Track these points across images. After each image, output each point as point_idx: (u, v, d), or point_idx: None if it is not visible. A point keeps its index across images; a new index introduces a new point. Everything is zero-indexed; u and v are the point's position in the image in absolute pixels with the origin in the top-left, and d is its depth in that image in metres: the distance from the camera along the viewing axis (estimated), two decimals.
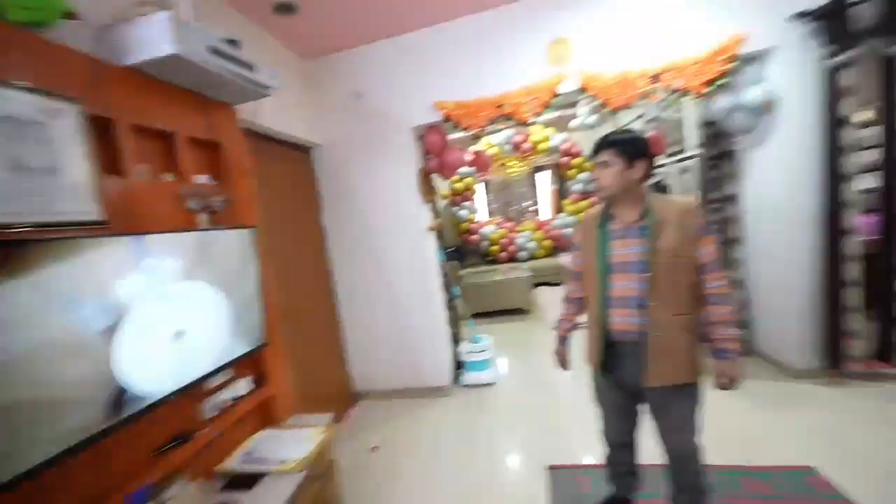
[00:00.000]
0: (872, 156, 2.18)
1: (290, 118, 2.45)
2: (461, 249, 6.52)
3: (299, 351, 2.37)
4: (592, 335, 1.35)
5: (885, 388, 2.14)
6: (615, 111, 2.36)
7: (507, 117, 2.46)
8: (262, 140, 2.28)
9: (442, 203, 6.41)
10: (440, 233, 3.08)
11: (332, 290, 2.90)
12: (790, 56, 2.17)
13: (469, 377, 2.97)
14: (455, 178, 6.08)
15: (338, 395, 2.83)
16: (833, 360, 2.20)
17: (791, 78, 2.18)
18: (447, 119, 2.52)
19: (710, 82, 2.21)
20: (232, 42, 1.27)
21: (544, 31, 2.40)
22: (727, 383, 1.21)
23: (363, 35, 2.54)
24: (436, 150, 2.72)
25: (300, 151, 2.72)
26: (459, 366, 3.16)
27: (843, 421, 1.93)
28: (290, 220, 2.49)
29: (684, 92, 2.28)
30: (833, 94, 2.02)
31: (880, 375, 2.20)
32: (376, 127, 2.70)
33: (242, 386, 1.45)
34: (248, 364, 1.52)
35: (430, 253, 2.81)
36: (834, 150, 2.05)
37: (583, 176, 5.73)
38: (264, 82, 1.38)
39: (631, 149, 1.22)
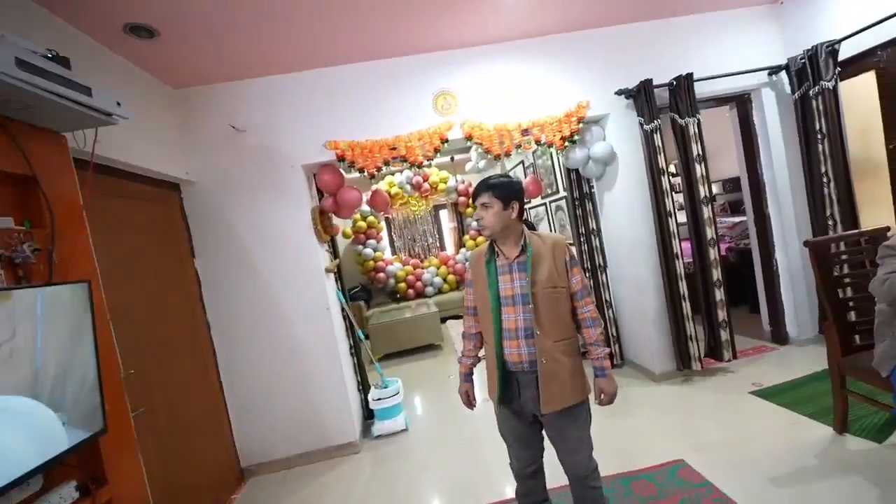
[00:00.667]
0: (681, 197, 2.84)
1: (154, 151, 2.14)
2: (367, 288, 6.33)
3: (165, 430, 1.94)
4: (490, 368, 1.41)
5: (717, 380, 2.68)
6: (497, 158, 2.65)
7: (402, 159, 2.56)
8: (116, 175, 1.93)
9: (345, 241, 6.22)
10: (340, 273, 2.95)
11: (208, 348, 2.48)
12: (620, 121, 2.76)
13: (380, 427, 2.79)
14: (357, 216, 5.99)
15: (219, 477, 2.35)
16: (682, 362, 2.68)
17: (623, 137, 2.76)
18: (341, 158, 2.51)
19: (566, 138, 2.67)
20: (57, 58, 1.06)
21: (432, 84, 2.63)
22: (605, 399, 1.37)
23: (244, 69, 2.43)
24: (330, 189, 2.65)
25: (167, 189, 2.38)
26: (369, 416, 2.95)
27: (695, 414, 2.34)
28: (152, 269, 2.11)
29: (549, 145, 2.69)
30: (652, 151, 2.61)
31: (713, 370, 2.75)
32: (261, 164, 2.53)
33: (61, 497, 1.09)
34: (75, 462, 1.16)
35: (329, 295, 2.65)
36: (659, 193, 2.62)
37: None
38: (105, 108, 1.17)
39: (506, 192, 1.36)
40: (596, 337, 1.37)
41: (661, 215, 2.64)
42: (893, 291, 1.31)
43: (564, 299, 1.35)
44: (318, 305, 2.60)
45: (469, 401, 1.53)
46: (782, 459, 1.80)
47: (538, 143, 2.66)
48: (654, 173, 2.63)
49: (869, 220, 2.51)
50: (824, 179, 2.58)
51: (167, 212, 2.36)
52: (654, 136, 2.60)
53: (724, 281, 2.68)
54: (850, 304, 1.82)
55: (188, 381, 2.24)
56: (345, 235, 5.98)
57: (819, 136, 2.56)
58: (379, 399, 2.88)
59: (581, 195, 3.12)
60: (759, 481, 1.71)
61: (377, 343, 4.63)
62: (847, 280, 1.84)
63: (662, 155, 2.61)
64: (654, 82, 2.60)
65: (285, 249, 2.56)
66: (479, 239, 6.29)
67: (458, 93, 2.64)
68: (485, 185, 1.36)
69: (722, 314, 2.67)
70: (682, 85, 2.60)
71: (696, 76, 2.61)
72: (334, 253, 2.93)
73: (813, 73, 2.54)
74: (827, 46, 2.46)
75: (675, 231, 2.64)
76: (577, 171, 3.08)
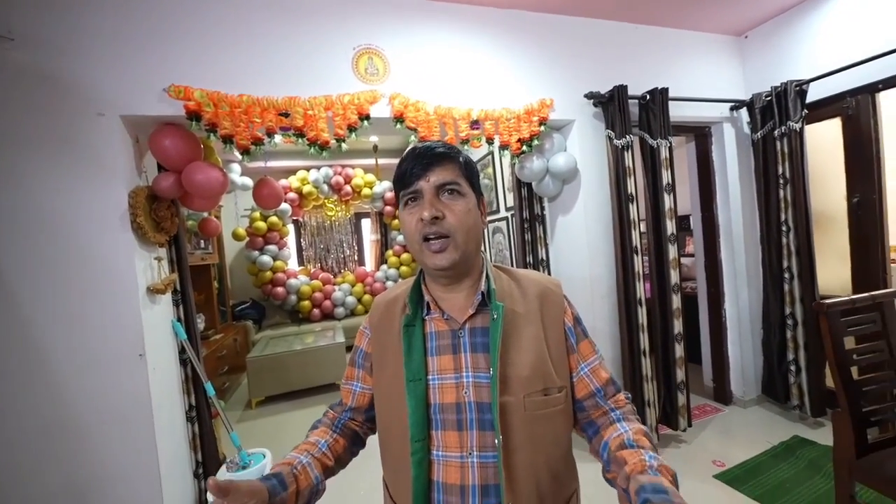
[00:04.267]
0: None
1: None
2: (260, 305, 5.10)
3: None
4: None
5: (673, 454, 2.22)
6: None
7: (297, 132, 1.71)
8: None
9: (237, 245, 4.96)
10: (183, 294, 1.92)
11: None
12: (586, 132, 2.28)
13: None
14: (255, 214, 4.82)
15: None
16: None
17: (588, 152, 2.28)
18: (193, 115, 1.57)
19: (523, 141, 2.09)
20: None
21: (354, 34, 1.86)
22: None
23: None
24: (173, 162, 1.68)
25: None
26: None
27: None
28: None
29: (503, 146, 2.09)
30: (621, 172, 2.15)
31: (666, 438, 2.31)
32: (41, 104, 1.48)
33: None
34: None
35: (148, 332, 1.62)
36: (625, 224, 2.16)
37: None
38: None
39: (478, 178, 0.69)
40: (637, 432, 0.64)
41: (625, 251, 2.18)
42: None
43: (564, 416, 0.66)
44: (126, 349, 1.57)
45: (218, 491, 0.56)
46: None
47: (490, 141, 2.03)
48: (622, 199, 2.17)
49: (823, 275, 2.35)
50: (783, 228, 2.38)
51: None
52: (625, 154, 2.15)
53: (687, 333, 2.29)
54: (863, 387, 1.44)
55: None
56: (236, 237, 4.74)
57: (781, 181, 2.36)
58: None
59: (532, 216, 2.57)
60: None
61: (258, 381, 3.52)
62: (857, 356, 1.48)
63: (633, 178, 2.17)
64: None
65: (71, 252, 1.51)
66: (405, 257, 5.53)
67: (389, 55, 1.90)
68: (446, 154, 0.65)
69: (681, 374, 2.27)
70: (657, 100, 2.21)
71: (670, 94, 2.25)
72: (177, 262, 1.91)
73: (779, 113, 2.34)
74: (796, 85, 2.28)
75: (641, 272, 2.19)
76: (528, 186, 2.53)
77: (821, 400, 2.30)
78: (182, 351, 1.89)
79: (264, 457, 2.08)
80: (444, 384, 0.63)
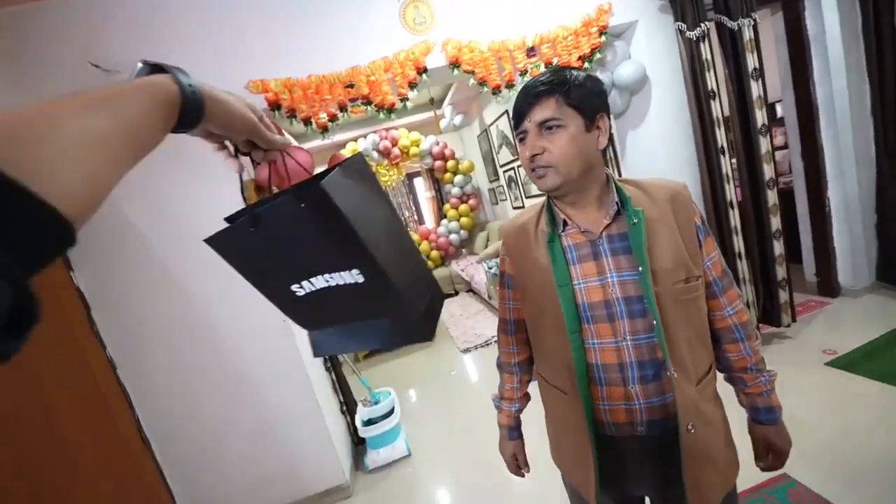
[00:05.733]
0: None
1: None
2: None
3: None
4: (566, 430, 0.80)
5: (778, 349, 2.21)
6: (496, 91, 1.93)
7: (365, 100, 1.79)
8: None
9: None
10: None
11: (115, 395, 1.74)
12: (652, 31, 2.08)
13: (375, 457, 2.19)
14: None
15: None
16: None
17: (657, 54, 2.10)
18: (274, 105, 1.72)
19: (584, 58, 1.98)
20: None
21: None
22: (777, 461, 0.79)
23: None
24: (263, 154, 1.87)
25: None
26: (360, 440, 2.35)
27: None
28: None
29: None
30: (698, 67, 1.97)
31: (768, 336, 2.29)
32: None
33: None
34: None
35: None
36: (706, 124, 2.02)
37: (459, 179, 5.49)
38: None
39: (590, 96, 0.69)
40: (755, 357, 0.77)
41: (709, 153, 2.05)
42: None
43: (702, 300, 0.74)
44: (272, 316, 1.89)
45: (518, 467, 0.96)
46: None
47: (549, 66, 1.95)
48: (701, 97, 2.00)
49: None
50: None
51: None
52: (701, 45, 1.95)
53: (784, 231, 2.17)
54: None
55: (83, 449, 1.53)
56: None
57: None
58: (370, 422, 2.28)
59: None
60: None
61: None
62: None
63: (712, 71, 1.98)
64: None
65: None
66: (463, 208, 5.61)
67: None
68: (545, 91, 0.69)
69: (781, 272, 2.18)
70: None
71: None
72: None
73: None
74: None
75: (729, 173, 2.06)
76: None
77: None
78: None
79: (390, 394, 2.45)
80: (590, 286, 0.73)
